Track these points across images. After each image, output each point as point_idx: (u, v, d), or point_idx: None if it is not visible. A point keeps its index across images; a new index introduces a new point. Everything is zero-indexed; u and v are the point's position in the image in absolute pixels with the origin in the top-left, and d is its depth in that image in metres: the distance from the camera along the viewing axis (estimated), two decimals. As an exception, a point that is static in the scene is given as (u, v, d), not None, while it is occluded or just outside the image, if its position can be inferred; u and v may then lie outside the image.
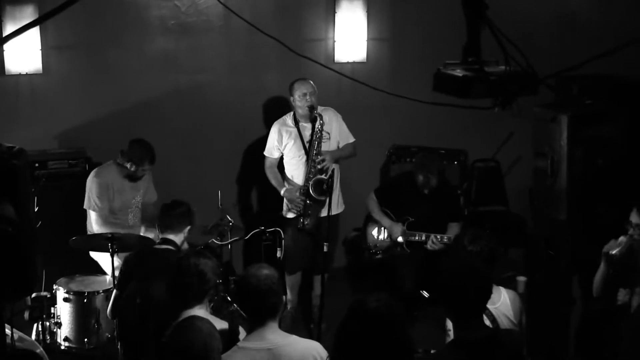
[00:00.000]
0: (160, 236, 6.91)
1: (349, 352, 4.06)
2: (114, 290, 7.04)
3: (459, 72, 4.25)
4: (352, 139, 8.76)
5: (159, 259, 6.61)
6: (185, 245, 7.10)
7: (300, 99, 8.43)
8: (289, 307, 8.88)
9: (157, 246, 6.87)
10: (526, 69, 4.19)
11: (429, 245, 8.37)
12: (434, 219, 8.48)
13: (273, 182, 8.73)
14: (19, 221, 4.35)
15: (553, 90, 4.39)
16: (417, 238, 8.41)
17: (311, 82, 8.43)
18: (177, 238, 6.87)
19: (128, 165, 8.17)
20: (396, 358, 4.01)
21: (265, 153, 8.78)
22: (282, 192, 8.59)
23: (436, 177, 8.43)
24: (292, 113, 8.62)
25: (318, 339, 7.63)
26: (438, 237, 8.30)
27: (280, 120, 8.72)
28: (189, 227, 6.97)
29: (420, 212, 8.49)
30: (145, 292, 6.24)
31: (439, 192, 8.49)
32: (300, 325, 8.91)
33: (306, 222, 8.47)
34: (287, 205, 8.68)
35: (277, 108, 9.13)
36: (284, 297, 4.99)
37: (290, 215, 8.66)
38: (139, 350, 6.33)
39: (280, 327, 4.97)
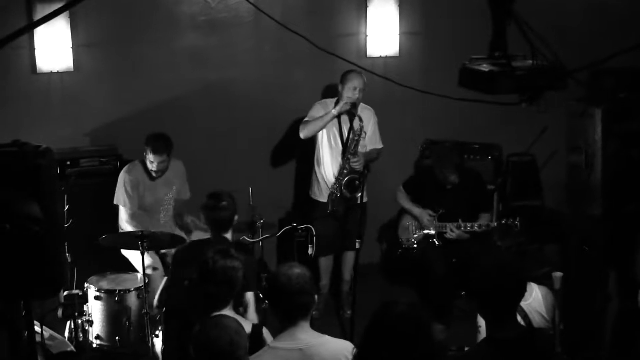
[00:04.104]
0: None
1: (373, 358, 4.02)
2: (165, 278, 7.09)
3: (484, 67, 4.16)
4: (380, 145, 8.82)
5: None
6: None
7: (349, 91, 8.38)
8: (322, 291, 8.99)
9: None
10: (554, 63, 4.10)
11: (448, 234, 8.41)
12: (463, 210, 8.46)
13: (315, 119, 8.53)
14: (45, 220, 4.33)
15: (582, 85, 4.29)
16: (447, 229, 8.38)
17: (364, 78, 8.38)
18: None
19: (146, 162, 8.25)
20: None
21: (305, 119, 8.63)
22: (334, 111, 8.38)
23: (453, 172, 8.42)
24: (336, 100, 8.55)
25: (351, 330, 7.73)
26: (468, 225, 8.28)
27: (324, 102, 8.70)
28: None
29: (447, 205, 8.49)
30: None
31: (463, 182, 8.49)
32: (332, 311, 9.04)
33: (335, 209, 8.56)
34: (317, 188, 8.73)
35: (307, 104, 9.07)
36: (315, 296, 4.93)
37: (320, 199, 8.71)
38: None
39: (314, 312, 4.93)
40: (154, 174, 8.27)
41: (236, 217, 6.63)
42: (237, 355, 4.30)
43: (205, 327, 4.41)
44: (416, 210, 8.67)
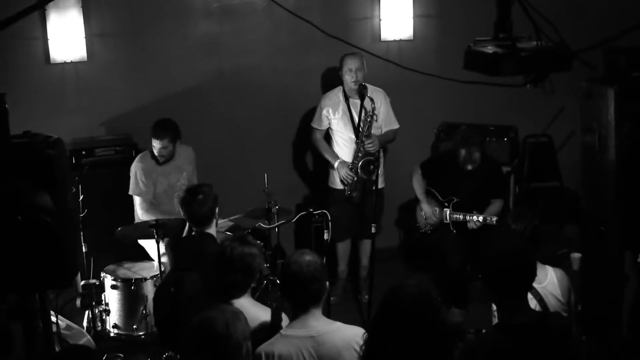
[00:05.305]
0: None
1: (383, 340, 4.00)
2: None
3: (489, 49, 4.12)
4: (395, 126, 8.82)
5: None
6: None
7: (347, 74, 8.47)
8: (340, 276, 9.10)
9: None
10: (559, 44, 4.06)
11: (473, 225, 8.27)
12: (479, 197, 8.39)
13: (325, 154, 8.76)
14: (57, 211, 4.34)
15: (588, 66, 4.24)
16: (461, 218, 8.30)
17: (360, 57, 8.40)
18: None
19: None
20: (430, 346, 3.94)
21: (314, 125, 8.80)
22: (335, 165, 8.60)
23: (479, 150, 8.29)
24: (342, 87, 8.63)
25: (368, 315, 7.74)
26: (481, 218, 8.19)
27: (330, 93, 8.75)
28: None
29: (465, 191, 8.37)
30: (180, 282, 6.13)
31: (482, 169, 8.36)
32: (350, 296, 9.06)
33: (354, 194, 8.57)
34: (334, 176, 8.75)
35: (322, 89, 9.11)
36: (327, 283, 4.90)
37: (338, 186, 8.72)
38: (173, 340, 6.22)
39: (332, 297, 4.88)
40: (159, 159, 8.27)
41: (217, 210, 6.40)
42: (234, 338, 4.24)
43: (203, 312, 4.39)
44: (425, 205, 8.59)
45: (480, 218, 8.19)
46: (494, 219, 8.09)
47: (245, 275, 5.25)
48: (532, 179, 9.78)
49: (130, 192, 8.26)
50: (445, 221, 8.44)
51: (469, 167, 8.31)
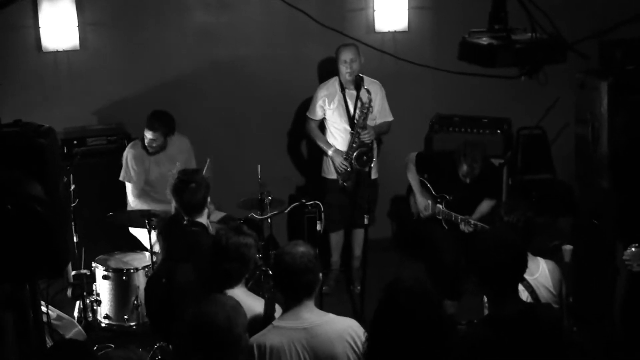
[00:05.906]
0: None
1: (384, 337, 3.98)
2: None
3: (484, 40, 4.11)
4: (390, 118, 8.82)
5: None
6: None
7: (342, 65, 8.47)
8: (333, 267, 9.10)
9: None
10: (554, 35, 4.05)
11: (464, 228, 8.16)
12: (472, 202, 8.30)
13: (319, 142, 8.76)
14: (48, 200, 4.32)
15: (582, 56, 4.23)
16: (453, 219, 8.22)
17: (355, 49, 8.40)
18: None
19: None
20: (430, 341, 3.92)
21: (309, 114, 8.81)
22: (330, 152, 8.61)
23: (480, 165, 8.12)
24: (338, 77, 8.63)
25: (361, 306, 7.72)
26: (472, 224, 8.08)
27: (326, 83, 8.75)
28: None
29: (459, 196, 8.23)
30: (172, 273, 6.09)
31: (479, 178, 8.18)
32: (343, 287, 9.06)
33: (347, 184, 8.59)
34: (327, 166, 8.76)
35: (318, 80, 9.08)
36: (320, 275, 4.88)
37: (331, 176, 8.73)
38: (165, 330, 6.19)
39: (325, 287, 4.83)
40: (149, 149, 8.24)
41: (209, 198, 6.36)
42: (235, 332, 4.23)
43: (202, 305, 4.36)
44: (420, 197, 8.49)
45: (472, 224, 8.07)
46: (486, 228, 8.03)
47: (240, 265, 5.24)
48: (526, 172, 9.75)
49: (120, 178, 8.24)
50: (437, 217, 8.38)
51: (468, 181, 8.22)
